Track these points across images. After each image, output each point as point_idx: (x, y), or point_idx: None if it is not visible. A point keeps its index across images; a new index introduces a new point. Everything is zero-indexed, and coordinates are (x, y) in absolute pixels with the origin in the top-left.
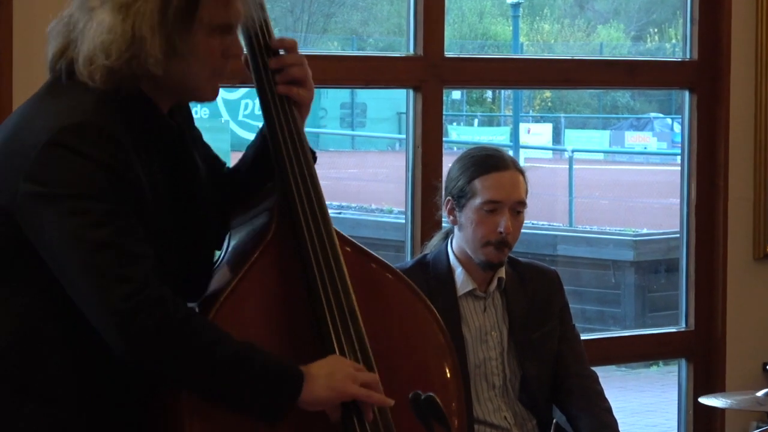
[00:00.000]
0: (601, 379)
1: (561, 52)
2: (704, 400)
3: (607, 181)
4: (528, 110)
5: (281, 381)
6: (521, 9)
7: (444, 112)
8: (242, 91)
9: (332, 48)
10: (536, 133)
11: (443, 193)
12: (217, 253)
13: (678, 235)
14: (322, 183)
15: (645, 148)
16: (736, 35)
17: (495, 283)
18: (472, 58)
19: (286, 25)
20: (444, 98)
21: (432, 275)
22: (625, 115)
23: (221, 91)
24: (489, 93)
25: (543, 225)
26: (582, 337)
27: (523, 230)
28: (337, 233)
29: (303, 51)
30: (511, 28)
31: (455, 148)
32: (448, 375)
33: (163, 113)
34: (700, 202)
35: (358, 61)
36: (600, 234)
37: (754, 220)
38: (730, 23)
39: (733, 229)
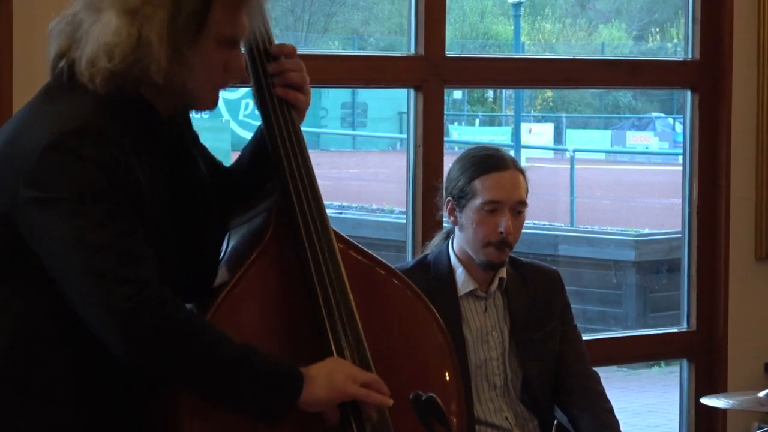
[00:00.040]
0: (602, 380)
1: (562, 52)
2: (706, 401)
3: (608, 181)
4: (529, 110)
5: (281, 382)
6: (522, 8)
7: (445, 112)
8: (242, 91)
9: (333, 47)
10: (538, 133)
11: (443, 193)
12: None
13: (679, 235)
14: (323, 183)
15: (647, 147)
16: (738, 35)
17: (496, 283)
18: (474, 57)
19: (287, 25)
20: (445, 98)
21: (433, 275)
22: (626, 115)
23: (221, 90)
24: (490, 93)
25: (544, 225)
26: (583, 338)
27: (524, 230)
28: (336, 234)
29: (304, 50)
30: (512, 27)
31: (456, 148)
32: (448, 375)
33: (162, 116)
34: (702, 202)
35: (359, 60)
36: (601, 234)
37: (755, 220)
38: (731, 23)
39: (735, 229)
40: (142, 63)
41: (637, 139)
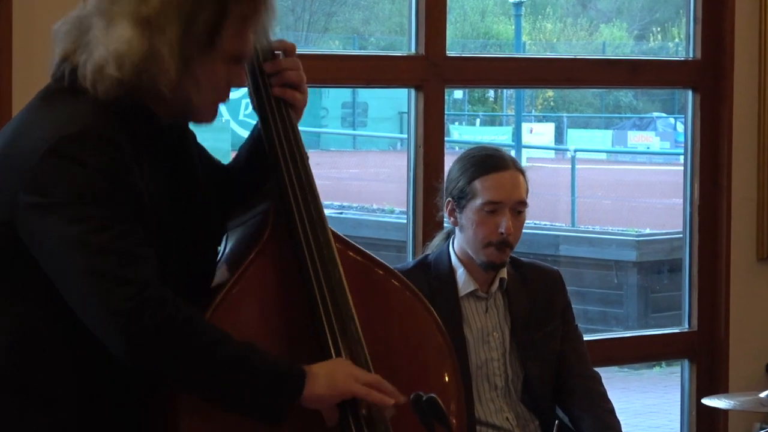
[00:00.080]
0: (603, 380)
1: (563, 52)
2: (707, 401)
3: (609, 181)
4: (530, 110)
5: (282, 381)
6: (523, 8)
7: (446, 112)
8: (243, 90)
9: (333, 47)
10: (539, 133)
11: (444, 194)
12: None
13: (681, 236)
14: (323, 183)
15: (648, 147)
16: (740, 34)
17: (497, 283)
18: (474, 57)
19: (287, 24)
20: (446, 98)
21: (434, 276)
22: (627, 115)
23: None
24: (491, 92)
25: (545, 225)
26: (584, 338)
27: (525, 230)
28: (334, 234)
29: (304, 50)
30: (513, 27)
31: (457, 148)
32: (448, 376)
33: (162, 121)
34: (703, 202)
35: (360, 60)
36: (602, 234)
37: (757, 220)
38: (733, 22)
39: (737, 229)
40: (150, 73)
41: (638, 139)
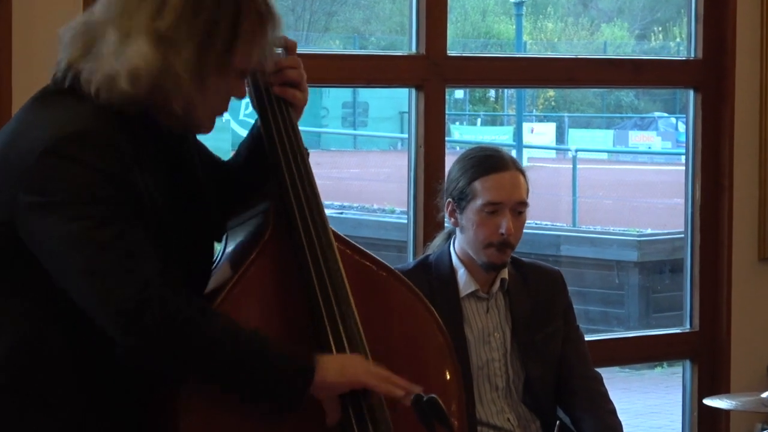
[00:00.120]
0: (605, 381)
1: (564, 51)
2: (709, 402)
3: (610, 180)
4: (531, 109)
5: (293, 370)
6: (524, 7)
7: (447, 112)
8: None
9: (334, 47)
10: (539, 133)
11: (444, 195)
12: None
13: (682, 236)
14: (324, 183)
15: (649, 147)
16: (741, 34)
17: (498, 283)
18: (475, 56)
19: (288, 24)
20: (447, 97)
21: (434, 276)
22: (629, 115)
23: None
24: (492, 92)
25: (546, 225)
26: (586, 338)
27: (525, 230)
28: (335, 234)
29: (304, 50)
30: (514, 26)
31: (458, 148)
32: (448, 376)
33: (162, 125)
34: (705, 201)
35: (360, 59)
36: (604, 234)
37: (759, 220)
38: (735, 22)
39: (738, 229)
40: (166, 91)
41: (639, 139)
